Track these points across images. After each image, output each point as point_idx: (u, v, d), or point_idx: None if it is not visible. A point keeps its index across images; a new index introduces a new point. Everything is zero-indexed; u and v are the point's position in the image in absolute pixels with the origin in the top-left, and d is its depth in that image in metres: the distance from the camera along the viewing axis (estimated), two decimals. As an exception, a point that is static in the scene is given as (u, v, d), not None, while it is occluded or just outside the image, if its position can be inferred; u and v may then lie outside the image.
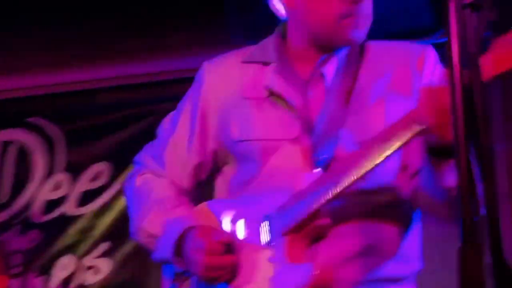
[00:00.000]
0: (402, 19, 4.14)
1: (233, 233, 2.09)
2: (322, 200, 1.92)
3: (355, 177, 1.86)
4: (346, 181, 1.87)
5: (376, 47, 2.16)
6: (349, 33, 2.04)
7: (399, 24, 4.04)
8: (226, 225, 2.12)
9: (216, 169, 2.26)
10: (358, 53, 2.13)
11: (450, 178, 1.82)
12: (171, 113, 2.32)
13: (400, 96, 2.04)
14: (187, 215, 2.16)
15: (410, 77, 2.06)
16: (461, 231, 1.29)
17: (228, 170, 2.22)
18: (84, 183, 4.81)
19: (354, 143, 1.99)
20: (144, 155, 2.32)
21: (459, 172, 1.33)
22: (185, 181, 2.25)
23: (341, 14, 2.01)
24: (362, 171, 1.85)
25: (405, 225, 2.09)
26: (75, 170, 4.83)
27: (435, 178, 1.88)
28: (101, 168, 4.80)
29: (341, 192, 1.89)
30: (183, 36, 4.66)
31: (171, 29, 4.66)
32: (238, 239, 2.08)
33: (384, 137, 1.82)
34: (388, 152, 1.80)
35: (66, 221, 4.77)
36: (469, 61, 1.35)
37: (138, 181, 2.28)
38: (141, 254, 3.98)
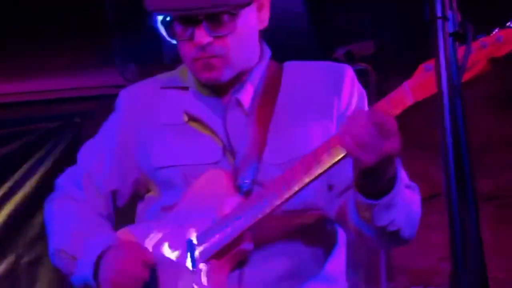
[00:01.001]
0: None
1: (155, 257, 2.06)
2: (245, 226, 1.92)
3: (278, 203, 1.89)
4: (269, 207, 1.90)
5: (295, 68, 2.17)
6: (201, 74, 2.06)
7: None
8: (149, 248, 2.09)
9: (137, 197, 2.24)
10: (276, 75, 2.14)
11: (381, 217, 1.86)
12: (92, 139, 2.30)
13: (320, 116, 2.05)
14: (107, 236, 2.12)
15: (329, 96, 2.07)
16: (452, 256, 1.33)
17: (151, 197, 2.20)
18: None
19: (276, 166, 1.99)
20: (65, 180, 2.29)
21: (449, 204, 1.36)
22: (102, 208, 2.21)
23: (192, 58, 2.04)
24: (285, 196, 1.88)
25: (329, 246, 2.10)
26: None
27: (364, 218, 1.90)
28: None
29: (263, 217, 1.91)
30: (66, 56, 4.59)
31: (53, 49, 4.58)
32: (160, 263, 2.05)
33: (308, 162, 1.85)
34: (311, 178, 1.84)
35: None
36: (453, 88, 1.38)
37: (57, 204, 2.25)
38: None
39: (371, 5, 3.99)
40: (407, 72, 1.77)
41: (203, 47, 2.00)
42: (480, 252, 1.34)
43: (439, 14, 1.40)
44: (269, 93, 2.11)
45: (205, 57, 2.02)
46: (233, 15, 1.99)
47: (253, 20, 2.05)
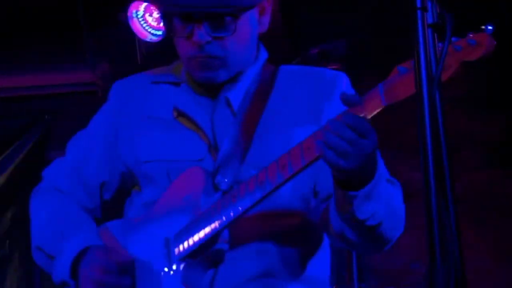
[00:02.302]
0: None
1: (132, 255, 2.06)
2: (219, 226, 1.91)
3: (251, 203, 1.88)
4: (243, 207, 1.89)
5: (289, 72, 2.17)
6: (197, 73, 2.05)
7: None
8: (126, 246, 2.09)
9: (125, 192, 2.22)
10: (270, 77, 2.14)
11: (362, 210, 1.84)
12: (82, 130, 2.28)
13: (309, 122, 2.02)
14: (85, 236, 2.11)
15: (320, 102, 2.07)
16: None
17: (135, 193, 2.19)
18: None
19: (257, 167, 1.96)
20: (52, 171, 2.27)
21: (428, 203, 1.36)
22: (88, 201, 2.20)
23: (189, 56, 2.02)
24: (258, 196, 1.87)
25: (311, 249, 2.09)
26: None
27: (345, 218, 1.89)
28: None
29: (239, 216, 1.90)
30: (37, 53, 4.57)
31: (24, 46, 4.56)
32: (137, 261, 2.05)
33: (282, 163, 1.84)
34: (284, 179, 1.83)
35: None
36: (431, 81, 1.39)
37: (42, 197, 2.23)
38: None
39: (345, 5, 4.00)
40: (381, 72, 1.77)
41: (201, 46, 1.99)
42: (458, 250, 1.35)
43: (418, 5, 1.41)
44: (260, 95, 2.11)
45: (202, 57, 2.01)
46: (235, 17, 1.98)
47: (254, 24, 2.05)
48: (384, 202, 1.87)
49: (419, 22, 1.39)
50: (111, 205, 2.24)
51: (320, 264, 2.11)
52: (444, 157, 1.36)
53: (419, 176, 1.38)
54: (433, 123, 1.37)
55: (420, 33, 1.39)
